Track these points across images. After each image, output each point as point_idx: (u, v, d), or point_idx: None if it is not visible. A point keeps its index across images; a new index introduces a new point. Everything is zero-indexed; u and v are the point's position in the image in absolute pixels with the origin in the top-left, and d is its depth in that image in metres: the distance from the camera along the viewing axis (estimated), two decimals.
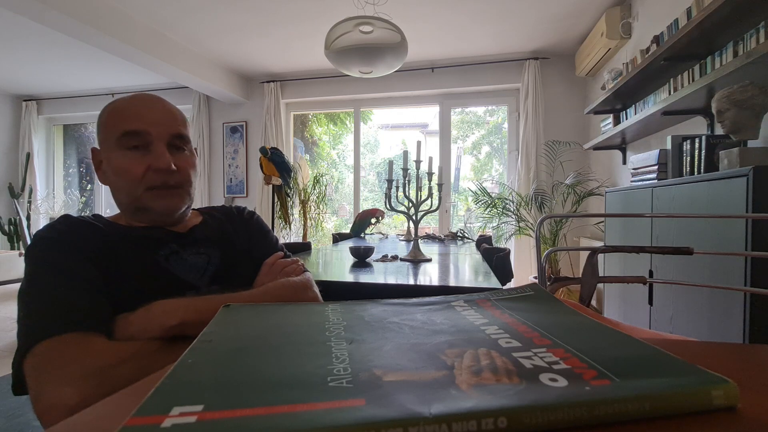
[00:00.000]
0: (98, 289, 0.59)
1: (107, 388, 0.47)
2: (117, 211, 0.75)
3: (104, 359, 0.51)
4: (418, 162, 1.62)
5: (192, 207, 0.79)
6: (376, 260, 1.59)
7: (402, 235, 3.06)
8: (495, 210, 3.64)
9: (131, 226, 0.71)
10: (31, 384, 0.50)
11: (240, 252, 0.79)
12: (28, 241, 4.81)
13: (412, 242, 2.17)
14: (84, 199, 5.82)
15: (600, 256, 2.22)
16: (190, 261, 0.70)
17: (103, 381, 0.48)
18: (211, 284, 0.70)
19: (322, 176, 4.45)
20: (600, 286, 2.78)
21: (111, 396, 0.30)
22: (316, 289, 0.75)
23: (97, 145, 0.71)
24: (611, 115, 2.83)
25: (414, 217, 1.70)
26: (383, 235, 3.29)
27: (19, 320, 0.55)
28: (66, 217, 0.66)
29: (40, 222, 5.22)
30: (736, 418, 0.23)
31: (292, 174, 3.93)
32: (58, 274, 0.57)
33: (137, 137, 0.66)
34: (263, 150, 3.51)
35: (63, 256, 0.60)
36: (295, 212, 4.36)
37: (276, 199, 3.88)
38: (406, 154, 1.68)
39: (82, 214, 0.70)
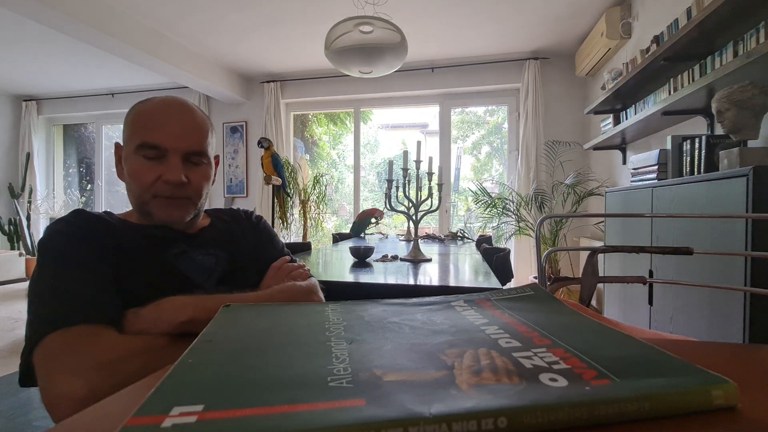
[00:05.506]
0: (109, 283, 0.60)
1: (116, 380, 0.47)
2: (117, 210, 0.76)
3: (114, 352, 0.51)
4: (418, 162, 1.62)
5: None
6: (376, 260, 1.59)
7: (402, 235, 3.06)
8: (495, 210, 3.64)
9: (142, 224, 0.71)
10: (40, 374, 0.51)
11: (247, 255, 0.80)
12: (29, 241, 4.81)
13: (412, 242, 2.17)
14: (84, 199, 5.81)
15: (600, 256, 2.22)
16: (199, 261, 0.71)
17: (113, 374, 0.49)
18: (218, 286, 0.71)
19: (322, 176, 4.45)
20: (600, 286, 2.78)
21: (114, 395, 0.30)
22: (321, 295, 0.76)
23: (121, 141, 0.72)
24: (611, 115, 2.83)
25: (414, 217, 1.70)
26: (383, 235, 3.29)
27: (30, 311, 0.56)
28: (78, 212, 0.66)
29: (40, 222, 5.22)
30: (736, 418, 0.23)
31: (290, 171, 3.89)
32: (71, 267, 0.58)
33: (154, 149, 0.67)
34: (262, 141, 3.45)
35: (75, 249, 0.60)
36: (295, 212, 4.36)
37: (275, 200, 3.87)
38: (406, 154, 1.68)
39: (93, 210, 0.71)
